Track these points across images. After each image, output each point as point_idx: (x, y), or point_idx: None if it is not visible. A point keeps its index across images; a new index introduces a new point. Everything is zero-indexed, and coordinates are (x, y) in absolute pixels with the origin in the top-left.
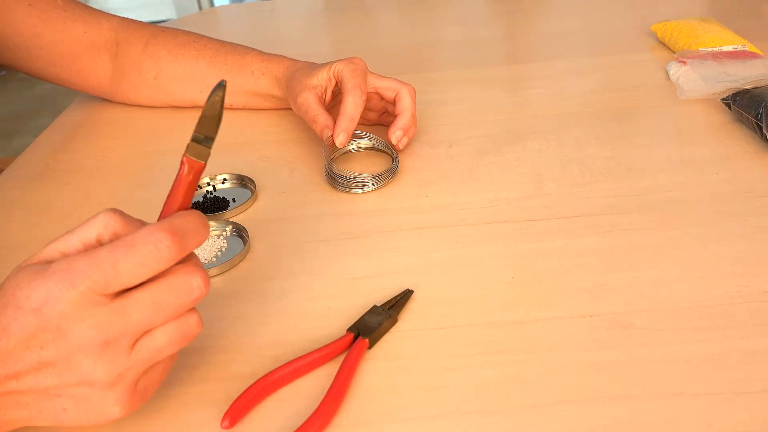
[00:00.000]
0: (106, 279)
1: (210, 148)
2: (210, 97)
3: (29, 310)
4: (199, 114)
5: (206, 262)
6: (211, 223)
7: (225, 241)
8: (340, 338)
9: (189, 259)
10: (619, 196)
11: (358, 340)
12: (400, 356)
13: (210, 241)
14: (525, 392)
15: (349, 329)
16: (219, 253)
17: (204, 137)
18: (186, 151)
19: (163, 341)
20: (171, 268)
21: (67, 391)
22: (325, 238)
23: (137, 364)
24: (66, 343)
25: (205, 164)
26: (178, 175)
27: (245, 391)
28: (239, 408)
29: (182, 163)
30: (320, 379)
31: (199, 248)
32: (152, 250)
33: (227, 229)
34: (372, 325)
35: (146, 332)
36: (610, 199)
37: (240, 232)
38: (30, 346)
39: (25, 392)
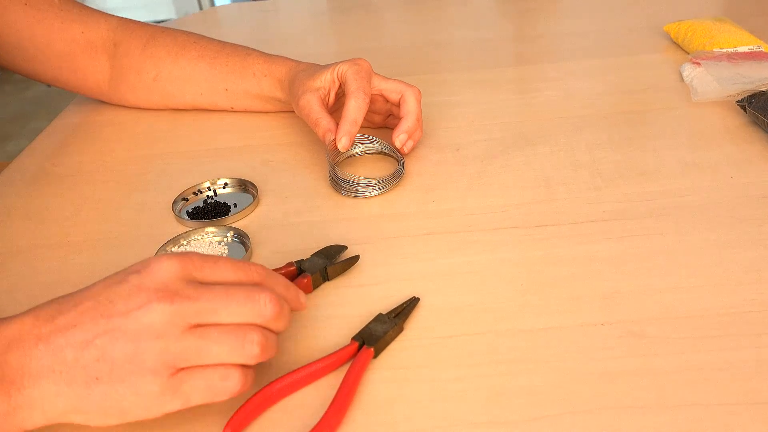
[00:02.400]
0: (203, 265)
1: None
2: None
3: (125, 272)
4: None
5: None
6: (212, 228)
7: (226, 247)
8: (345, 347)
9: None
10: (631, 201)
11: (363, 349)
12: (407, 366)
13: (210, 247)
14: (535, 403)
15: (354, 338)
16: None
17: None
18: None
19: (217, 336)
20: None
21: (110, 355)
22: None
23: (186, 350)
24: (139, 296)
25: None
26: None
27: (247, 401)
28: (241, 419)
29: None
30: (324, 390)
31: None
32: (247, 268)
33: (228, 234)
34: (377, 334)
35: (207, 325)
36: (622, 204)
37: (241, 238)
38: (106, 290)
39: (64, 350)
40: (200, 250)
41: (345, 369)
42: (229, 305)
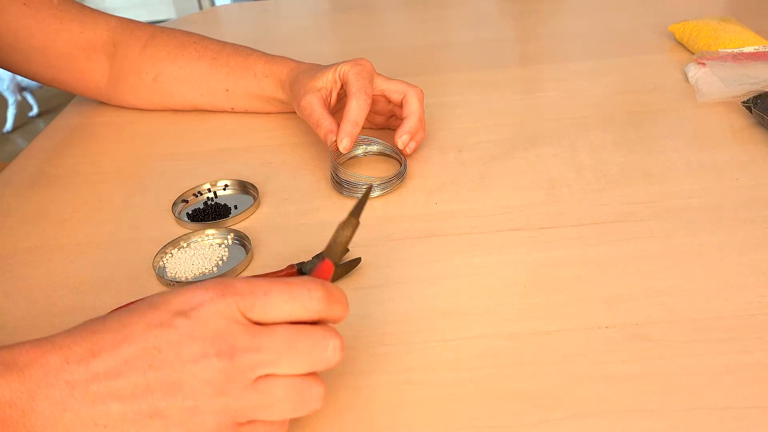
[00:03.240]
0: (254, 301)
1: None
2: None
3: (168, 311)
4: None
5: (207, 271)
6: (212, 230)
7: (226, 249)
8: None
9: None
10: (635, 203)
11: (324, 261)
12: (408, 369)
13: (211, 249)
14: (538, 407)
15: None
16: (220, 262)
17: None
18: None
19: (280, 393)
20: (312, 324)
21: (165, 412)
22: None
23: (246, 408)
24: (191, 346)
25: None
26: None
27: None
28: None
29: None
30: None
31: (199, 257)
32: (304, 293)
33: (229, 237)
34: (333, 243)
35: (268, 375)
36: (626, 206)
37: (242, 240)
38: (150, 334)
39: (121, 389)
40: (201, 253)
41: None
42: (294, 357)
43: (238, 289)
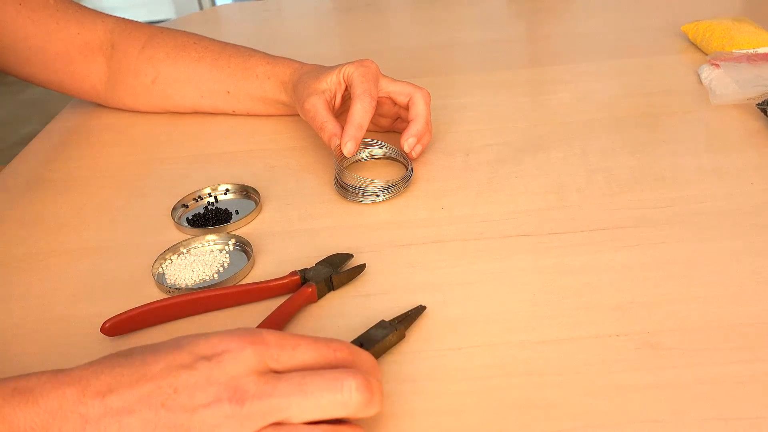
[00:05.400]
0: (281, 353)
1: None
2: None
3: (192, 354)
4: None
5: (207, 278)
6: (213, 236)
7: (227, 255)
8: None
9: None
10: (647, 208)
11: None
12: (413, 378)
13: (211, 255)
14: (548, 417)
15: (353, 342)
16: (221, 269)
17: None
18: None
19: None
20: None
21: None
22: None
23: None
24: (207, 390)
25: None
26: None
27: None
28: None
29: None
30: None
31: (199, 263)
32: (329, 350)
33: (230, 242)
34: (375, 338)
35: (281, 424)
36: (638, 211)
37: (243, 246)
38: (170, 374)
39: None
40: (201, 259)
41: None
42: (304, 399)
43: (267, 340)
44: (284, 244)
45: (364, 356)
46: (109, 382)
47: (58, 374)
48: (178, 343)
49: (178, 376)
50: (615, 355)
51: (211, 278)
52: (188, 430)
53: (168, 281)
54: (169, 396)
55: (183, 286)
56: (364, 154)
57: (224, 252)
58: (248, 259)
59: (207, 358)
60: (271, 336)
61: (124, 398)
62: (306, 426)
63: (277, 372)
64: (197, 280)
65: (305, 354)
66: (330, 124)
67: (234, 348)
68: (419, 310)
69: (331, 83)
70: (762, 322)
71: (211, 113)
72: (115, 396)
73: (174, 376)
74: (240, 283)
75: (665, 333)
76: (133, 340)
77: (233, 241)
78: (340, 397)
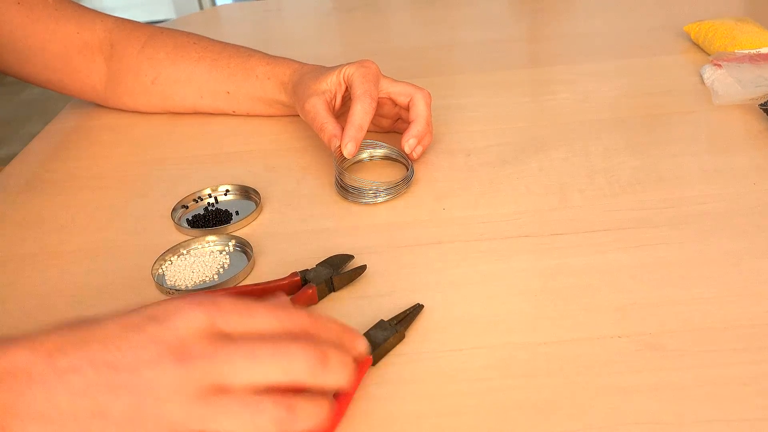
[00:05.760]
0: (234, 318)
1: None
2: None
3: (144, 316)
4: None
5: (207, 279)
6: (213, 237)
7: (227, 257)
8: None
9: None
10: (649, 209)
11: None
12: (413, 380)
13: (211, 257)
14: (549, 419)
15: None
16: (221, 270)
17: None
18: None
19: (234, 407)
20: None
21: (107, 413)
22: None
23: (189, 420)
24: (151, 350)
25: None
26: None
27: None
28: None
29: None
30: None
31: (199, 264)
32: (289, 319)
33: (230, 243)
34: (377, 341)
35: (223, 388)
36: (639, 212)
37: (244, 247)
38: (117, 335)
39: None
40: (201, 260)
41: None
42: (250, 363)
43: (221, 303)
44: (285, 245)
45: (331, 326)
46: (58, 342)
47: (9, 339)
48: (136, 308)
49: (125, 336)
50: (616, 356)
51: (211, 279)
52: (131, 389)
53: (168, 282)
54: (114, 356)
55: (183, 287)
56: (364, 155)
57: (224, 253)
58: (248, 259)
59: (156, 319)
60: (226, 300)
61: (71, 357)
62: (249, 393)
63: (230, 337)
64: (197, 281)
65: (262, 321)
66: (330, 125)
67: (184, 309)
68: (417, 309)
69: (332, 84)
70: (764, 323)
71: (211, 113)
72: (61, 355)
73: (121, 336)
74: (240, 285)
75: (667, 334)
76: None
77: (233, 242)
78: (286, 364)
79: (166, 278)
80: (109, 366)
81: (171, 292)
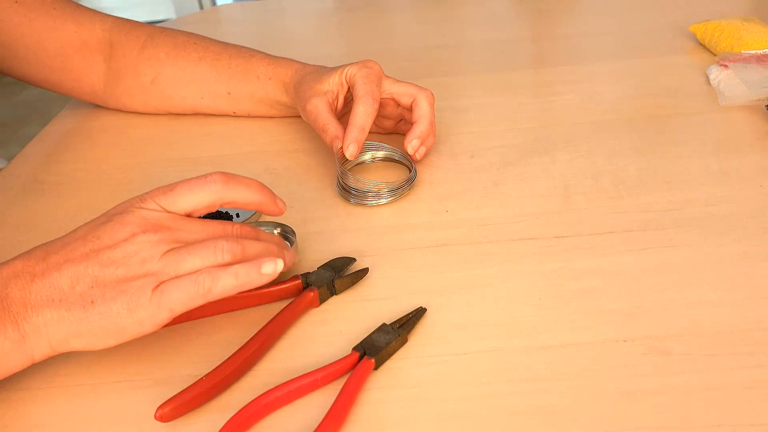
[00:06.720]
0: (165, 196)
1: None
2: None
3: (108, 215)
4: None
5: None
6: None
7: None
8: (345, 357)
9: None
10: (655, 211)
11: (364, 359)
12: (417, 384)
13: None
14: (554, 424)
15: (355, 348)
16: None
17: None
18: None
19: (193, 249)
20: None
21: (102, 281)
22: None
23: (166, 266)
24: (123, 229)
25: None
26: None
27: (239, 411)
28: (232, 429)
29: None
30: (321, 401)
31: None
32: (202, 180)
33: (275, 231)
34: (379, 345)
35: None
36: (645, 214)
37: (287, 234)
38: (94, 228)
39: (63, 278)
40: None
41: (344, 380)
42: (204, 230)
43: (154, 192)
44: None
45: (240, 176)
46: (44, 249)
47: (3, 262)
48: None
49: (99, 229)
50: (622, 360)
51: None
52: (117, 260)
53: None
54: (94, 242)
55: None
56: (367, 157)
57: None
58: (291, 246)
59: (121, 211)
60: (155, 190)
61: (59, 255)
62: (202, 239)
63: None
64: None
65: (185, 190)
66: (332, 127)
67: (137, 204)
68: (420, 313)
69: (334, 84)
70: None
71: (212, 114)
72: (53, 256)
73: (95, 231)
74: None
75: (673, 338)
76: (134, 342)
77: (279, 230)
78: (229, 228)
79: None
80: (95, 251)
81: None
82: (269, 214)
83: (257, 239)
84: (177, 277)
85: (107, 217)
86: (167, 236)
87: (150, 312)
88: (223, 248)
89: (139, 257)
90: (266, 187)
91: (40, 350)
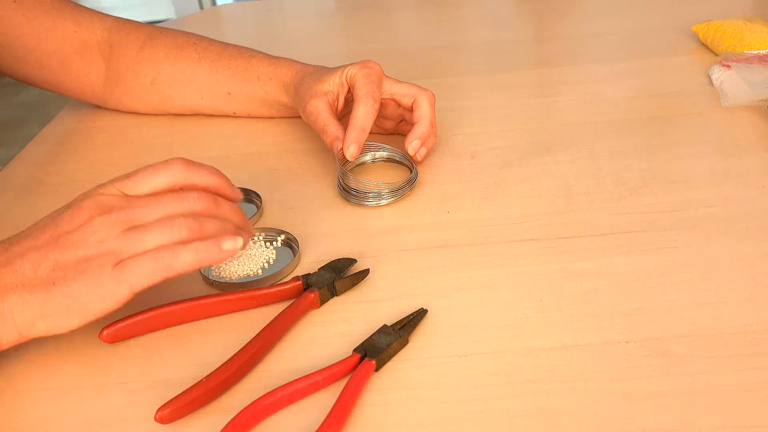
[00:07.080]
0: (126, 182)
1: None
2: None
3: (72, 202)
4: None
5: (252, 273)
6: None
7: (274, 251)
8: (345, 359)
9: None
10: (657, 212)
11: (365, 361)
12: (418, 386)
13: (258, 251)
14: (555, 425)
15: (356, 349)
16: (266, 265)
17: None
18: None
19: (150, 226)
20: None
21: (63, 263)
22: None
23: (125, 245)
24: (82, 214)
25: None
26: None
27: (239, 413)
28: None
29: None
30: (322, 403)
31: (245, 258)
32: (163, 165)
33: (279, 238)
34: (380, 346)
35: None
36: (647, 215)
37: (290, 242)
38: (50, 225)
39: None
40: (247, 253)
41: (345, 382)
42: (161, 206)
43: (116, 178)
44: None
45: (200, 164)
46: (6, 242)
47: None
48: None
49: (57, 218)
50: (624, 362)
51: (255, 274)
52: (76, 242)
53: (212, 274)
54: (54, 229)
55: (227, 279)
56: (367, 157)
57: (271, 248)
58: (294, 255)
59: (78, 200)
60: (120, 176)
61: (23, 245)
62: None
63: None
64: (241, 275)
65: (147, 175)
66: (332, 127)
67: (99, 190)
68: (420, 314)
69: (334, 85)
70: None
71: (212, 115)
72: (16, 246)
73: (54, 220)
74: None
75: (675, 339)
76: (134, 343)
77: (282, 236)
78: (188, 203)
79: (211, 268)
80: (55, 237)
81: (214, 283)
82: (226, 198)
83: (217, 208)
84: (136, 255)
85: (67, 206)
86: (123, 216)
87: (111, 289)
88: (181, 224)
89: (97, 237)
90: (225, 175)
91: (7, 336)
